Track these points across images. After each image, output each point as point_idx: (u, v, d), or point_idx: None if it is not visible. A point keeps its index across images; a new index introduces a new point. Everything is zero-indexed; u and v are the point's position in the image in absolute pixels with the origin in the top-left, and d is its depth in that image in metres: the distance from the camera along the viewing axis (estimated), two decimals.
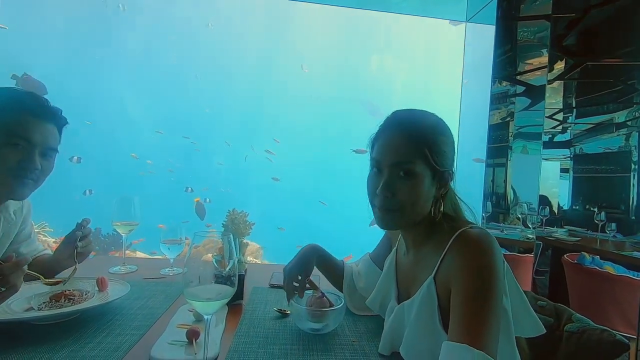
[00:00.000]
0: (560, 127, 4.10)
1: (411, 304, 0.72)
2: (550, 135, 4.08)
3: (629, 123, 3.51)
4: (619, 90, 3.47)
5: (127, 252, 1.35)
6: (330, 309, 0.84)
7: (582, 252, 1.97)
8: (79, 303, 0.85)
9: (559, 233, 2.99)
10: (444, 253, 0.67)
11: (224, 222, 1.32)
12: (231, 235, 0.70)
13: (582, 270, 1.84)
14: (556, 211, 3.97)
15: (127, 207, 1.24)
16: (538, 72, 2.88)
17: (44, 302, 0.84)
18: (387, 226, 0.74)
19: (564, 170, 4.10)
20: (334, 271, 1.04)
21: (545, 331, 0.71)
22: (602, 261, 1.90)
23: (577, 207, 3.90)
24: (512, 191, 2.92)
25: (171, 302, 0.98)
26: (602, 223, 2.83)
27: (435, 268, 0.68)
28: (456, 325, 0.59)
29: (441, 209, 0.71)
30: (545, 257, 2.78)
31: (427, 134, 0.70)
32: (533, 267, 2.37)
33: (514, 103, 2.93)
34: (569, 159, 4.07)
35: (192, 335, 0.76)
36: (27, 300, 0.84)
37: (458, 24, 2.76)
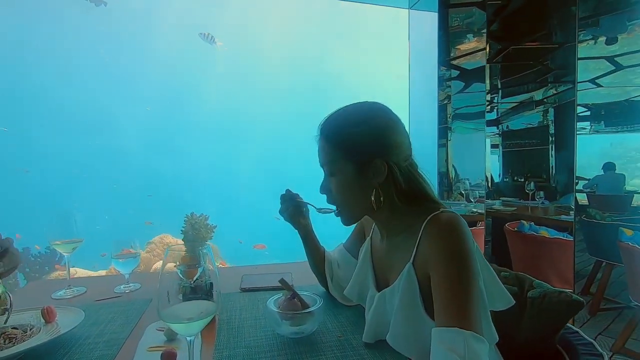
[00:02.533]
0: (489, 106, 4.47)
1: (392, 291, 0.73)
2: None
3: (545, 100, 3.93)
4: (536, 71, 3.85)
5: (63, 271, 1.19)
6: (303, 311, 0.80)
7: (521, 221, 2.18)
8: (23, 342, 0.73)
9: (497, 204, 3.28)
10: (418, 238, 0.68)
11: (183, 228, 1.22)
12: (208, 246, 0.64)
13: (523, 237, 2.04)
14: (489, 184, 4.36)
15: (67, 223, 1.09)
16: (469, 57, 3.08)
17: None
18: (344, 223, 0.80)
19: (494, 146, 4.49)
20: (317, 250, 1.04)
21: (514, 302, 0.76)
22: (537, 227, 2.12)
23: (507, 180, 4.30)
24: (453, 169, 3.12)
25: (134, 323, 0.89)
26: (532, 192, 3.15)
27: (413, 253, 0.69)
28: (443, 310, 0.60)
29: (381, 198, 0.72)
30: (487, 227, 3.04)
31: (342, 132, 0.73)
32: (485, 239, 2.57)
33: (450, 87, 3.12)
34: (497, 135, 4.46)
35: (169, 358, 0.69)
36: None
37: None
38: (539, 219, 2.35)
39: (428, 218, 0.68)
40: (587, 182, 4.01)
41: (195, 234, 1.19)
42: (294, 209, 0.99)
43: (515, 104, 4.27)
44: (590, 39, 3.41)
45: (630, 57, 3.54)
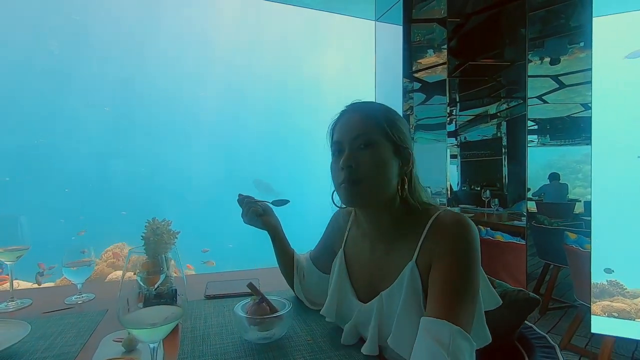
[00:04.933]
0: (449, 118, 4.71)
1: (390, 294, 0.70)
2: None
3: (498, 114, 4.22)
4: (490, 86, 4.13)
5: (5, 283, 1.09)
6: (272, 315, 0.78)
7: (479, 226, 2.29)
8: None
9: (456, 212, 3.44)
10: (422, 237, 0.67)
11: (144, 234, 1.16)
12: (175, 251, 0.62)
13: (480, 241, 2.14)
14: (449, 192, 4.56)
15: (11, 229, 1.00)
16: (429, 70, 3.25)
17: None
18: (354, 200, 0.72)
19: (453, 157, 4.72)
20: (285, 252, 1.02)
21: (502, 302, 0.77)
22: (493, 232, 2.24)
23: (465, 188, 4.53)
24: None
25: (88, 335, 0.82)
26: (487, 200, 3.34)
27: (416, 253, 0.67)
28: (435, 301, 0.60)
29: (405, 187, 0.72)
30: None
31: (384, 113, 0.74)
32: None
33: (412, 98, 3.26)
34: (456, 146, 4.70)
35: None
36: None
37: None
38: (494, 224, 2.49)
39: (434, 216, 0.68)
40: (536, 190, 4.32)
41: (157, 240, 1.13)
42: (252, 212, 0.98)
43: (472, 116, 4.53)
44: (537, 59, 3.71)
45: (570, 76, 3.89)
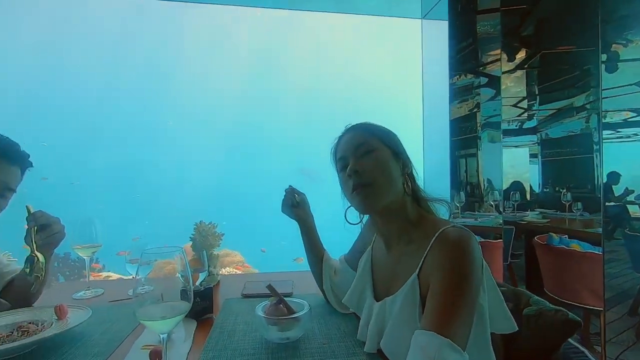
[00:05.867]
0: (527, 114, 4.26)
1: (393, 300, 0.73)
2: (519, 123, 4.22)
3: (587, 106, 3.68)
4: (576, 75, 3.63)
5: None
6: (288, 317, 0.81)
7: (550, 233, 2.04)
8: (35, 335, 0.81)
9: (530, 216, 3.09)
10: (427, 251, 0.68)
11: (192, 235, 1.29)
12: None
13: (551, 250, 1.90)
14: (529, 195, 4.11)
15: (88, 229, 1.20)
16: (499, 63, 2.97)
17: None
18: (367, 205, 0.76)
19: (533, 156, 4.25)
20: (316, 248, 1.09)
21: (517, 328, 0.72)
22: (569, 240, 1.97)
23: (548, 190, 4.04)
24: (484, 180, 2.99)
25: (137, 323, 0.95)
26: (568, 203, 2.94)
27: (419, 266, 0.69)
28: (428, 314, 0.60)
29: (410, 184, 0.79)
30: (520, 241, 2.86)
31: (377, 128, 0.83)
32: (504, 252, 2.42)
33: (479, 94, 3.02)
34: (536, 144, 4.22)
35: (155, 356, 0.73)
36: None
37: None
38: (572, 231, 2.18)
39: (440, 231, 0.68)
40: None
41: (202, 241, 1.25)
42: (286, 200, 1.09)
43: (554, 110, 4.04)
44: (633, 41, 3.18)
45: None
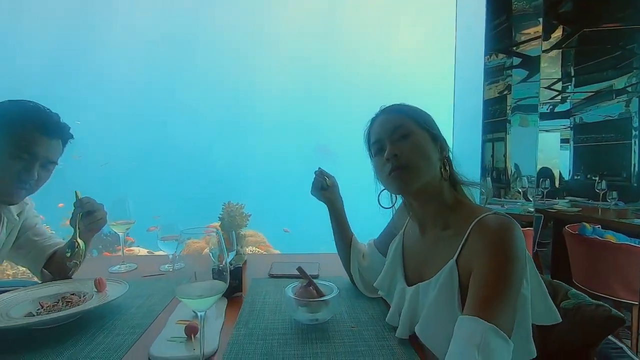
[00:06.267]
0: (560, 97, 4.04)
1: (428, 286, 0.73)
2: (550, 106, 4.02)
3: (628, 89, 3.45)
4: (617, 55, 3.40)
5: (130, 249, 1.35)
6: (317, 299, 0.83)
7: (583, 223, 1.96)
8: (78, 306, 0.85)
9: (560, 204, 2.98)
10: (465, 236, 0.67)
11: (220, 215, 1.31)
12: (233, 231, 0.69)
13: (584, 241, 1.84)
14: (557, 182, 3.96)
15: (122, 207, 1.24)
16: (534, 43, 2.79)
17: (42, 308, 0.84)
18: (404, 187, 0.76)
19: (564, 141, 4.06)
20: (344, 231, 1.09)
21: (560, 320, 0.71)
22: (603, 230, 1.90)
23: (579, 177, 3.88)
24: (512, 165, 2.89)
25: (170, 299, 0.98)
26: (603, 192, 2.81)
27: (458, 251, 0.68)
28: (472, 301, 0.59)
29: (447, 168, 0.78)
30: (548, 229, 2.78)
31: (412, 109, 0.81)
32: (533, 241, 2.37)
33: (511, 75, 2.87)
34: (569, 129, 4.02)
35: (191, 331, 0.76)
36: (28, 305, 0.85)
37: None
38: (606, 221, 2.09)
39: (479, 218, 0.67)
40: None
41: (231, 221, 1.27)
42: (316, 182, 1.08)
43: (591, 93, 3.82)
44: None
45: None
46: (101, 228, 1.10)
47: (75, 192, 1.04)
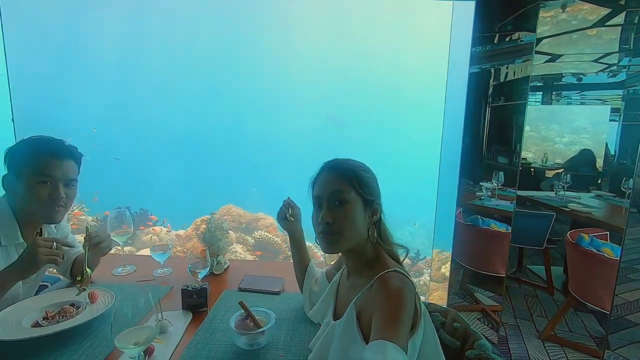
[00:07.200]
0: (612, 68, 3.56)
1: (339, 323, 0.84)
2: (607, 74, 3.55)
3: None
4: None
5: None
6: (251, 332, 0.98)
7: (580, 234, 1.88)
8: (72, 317, 1.07)
9: (583, 199, 2.76)
10: (369, 286, 0.80)
11: (203, 230, 1.48)
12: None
13: (578, 251, 1.78)
14: (602, 165, 3.57)
15: (121, 219, 1.44)
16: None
17: (44, 318, 1.07)
18: (330, 249, 0.87)
19: (614, 110, 3.61)
20: (301, 258, 1.23)
21: None
22: (601, 242, 1.80)
23: (625, 162, 3.46)
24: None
25: (148, 310, 1.17)
26: (629, 191, 2.56)
27: (357, 296, 0.82)
28: (375, 331, 0.70)
29: (375, 234, 0.87)
30: (565, 224, 2.63)
31: (354, 171, 0.88)
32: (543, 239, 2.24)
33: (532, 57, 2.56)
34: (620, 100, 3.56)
35: (148, 352, 0.94)
36: (36, 314, 1.09)
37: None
38: (620, 229, 1.93)
39: (381, 274, 0.79)
40: None
41: (211, 236, 1.43)
42: (280, 213, 1.21)
43: None
44: None
45: None
46: (107, 253, 1.33)
47: (86, 226, 1.29)
